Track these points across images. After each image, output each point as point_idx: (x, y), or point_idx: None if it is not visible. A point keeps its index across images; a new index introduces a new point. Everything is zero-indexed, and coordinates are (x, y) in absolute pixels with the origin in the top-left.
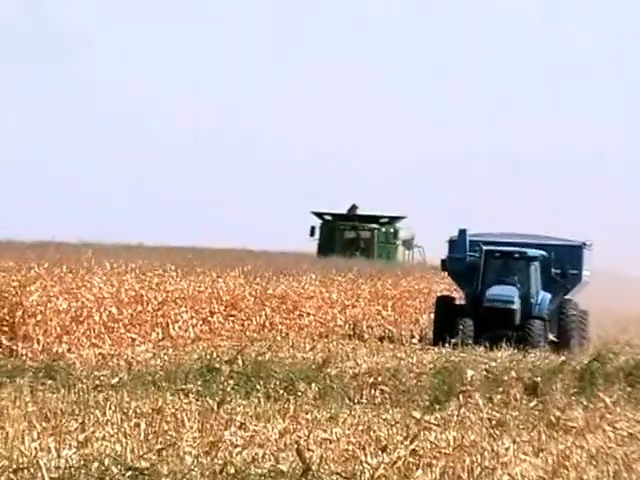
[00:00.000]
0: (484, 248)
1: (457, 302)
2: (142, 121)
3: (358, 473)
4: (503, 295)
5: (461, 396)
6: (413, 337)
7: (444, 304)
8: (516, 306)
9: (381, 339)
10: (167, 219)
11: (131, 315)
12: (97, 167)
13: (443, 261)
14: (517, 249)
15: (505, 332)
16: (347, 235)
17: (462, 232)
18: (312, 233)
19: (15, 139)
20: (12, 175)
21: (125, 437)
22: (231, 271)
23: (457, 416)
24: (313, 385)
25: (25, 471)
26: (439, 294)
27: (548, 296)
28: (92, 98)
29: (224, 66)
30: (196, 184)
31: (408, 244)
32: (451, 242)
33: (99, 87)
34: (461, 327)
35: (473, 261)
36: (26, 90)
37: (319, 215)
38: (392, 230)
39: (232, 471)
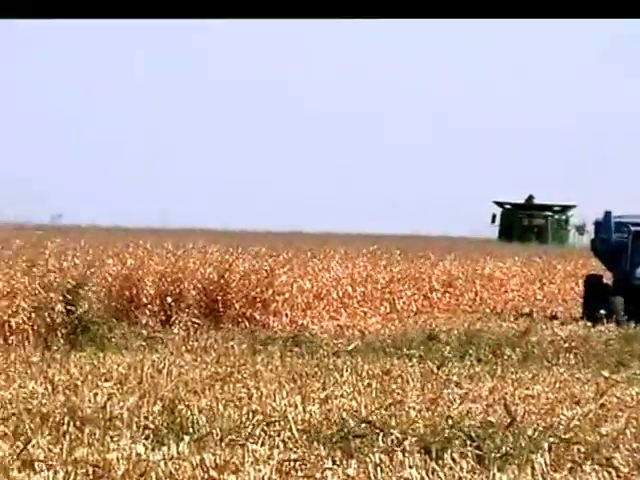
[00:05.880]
0: (632, 229)
1: (605, 281)
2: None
3: (555, 424)
4: None
5: None
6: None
7: (593, 283)
8: None
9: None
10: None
11: (363, 293)
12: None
13: (592, 241)
14: None
15: None
16: (524, 222)
17: (607, 214)
18: (493, 220)
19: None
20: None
21: (359, 395)
22: (447, 255)
23: (639, 375)
24: (517, 350)
25: (277, 424)
26: (587, 274)
27: None
28: None
29: None
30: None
31: (581, 230)
32: (597, 224)
33: None
34: (612, 304)
35: (619, 241)
36: None
37: (500, 204)
38: (564, 217)
39: (450, 422)
